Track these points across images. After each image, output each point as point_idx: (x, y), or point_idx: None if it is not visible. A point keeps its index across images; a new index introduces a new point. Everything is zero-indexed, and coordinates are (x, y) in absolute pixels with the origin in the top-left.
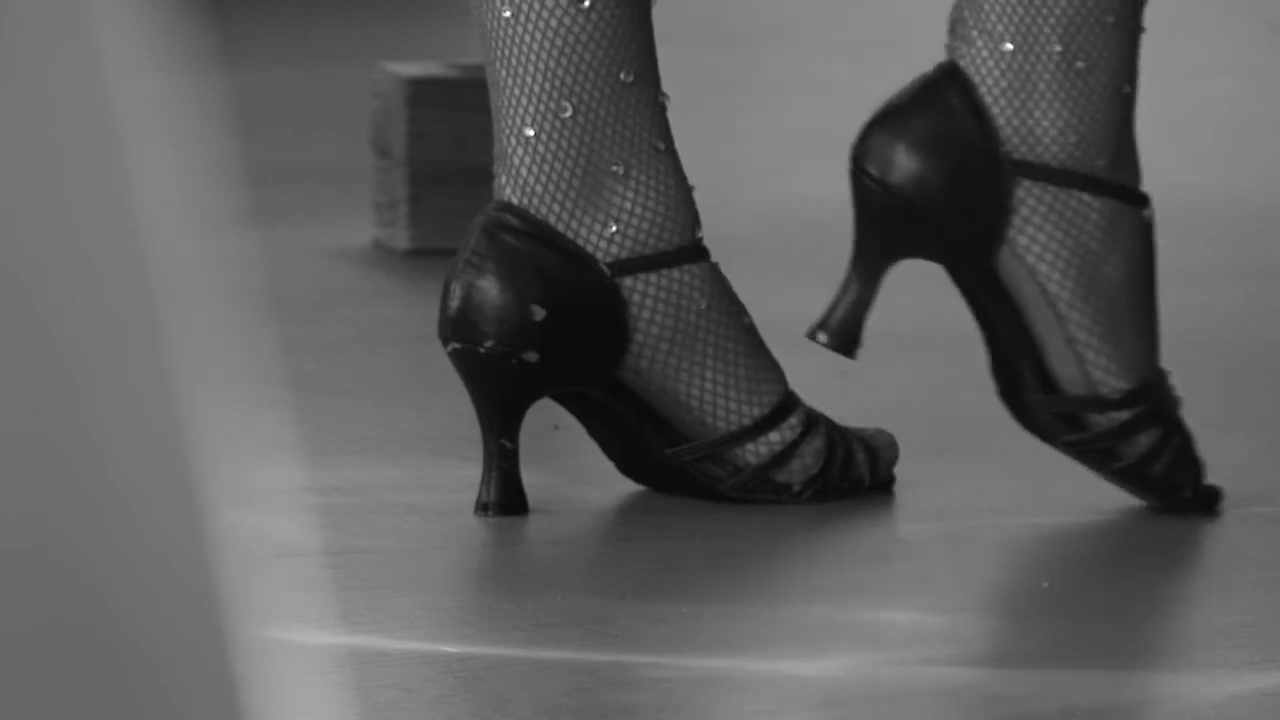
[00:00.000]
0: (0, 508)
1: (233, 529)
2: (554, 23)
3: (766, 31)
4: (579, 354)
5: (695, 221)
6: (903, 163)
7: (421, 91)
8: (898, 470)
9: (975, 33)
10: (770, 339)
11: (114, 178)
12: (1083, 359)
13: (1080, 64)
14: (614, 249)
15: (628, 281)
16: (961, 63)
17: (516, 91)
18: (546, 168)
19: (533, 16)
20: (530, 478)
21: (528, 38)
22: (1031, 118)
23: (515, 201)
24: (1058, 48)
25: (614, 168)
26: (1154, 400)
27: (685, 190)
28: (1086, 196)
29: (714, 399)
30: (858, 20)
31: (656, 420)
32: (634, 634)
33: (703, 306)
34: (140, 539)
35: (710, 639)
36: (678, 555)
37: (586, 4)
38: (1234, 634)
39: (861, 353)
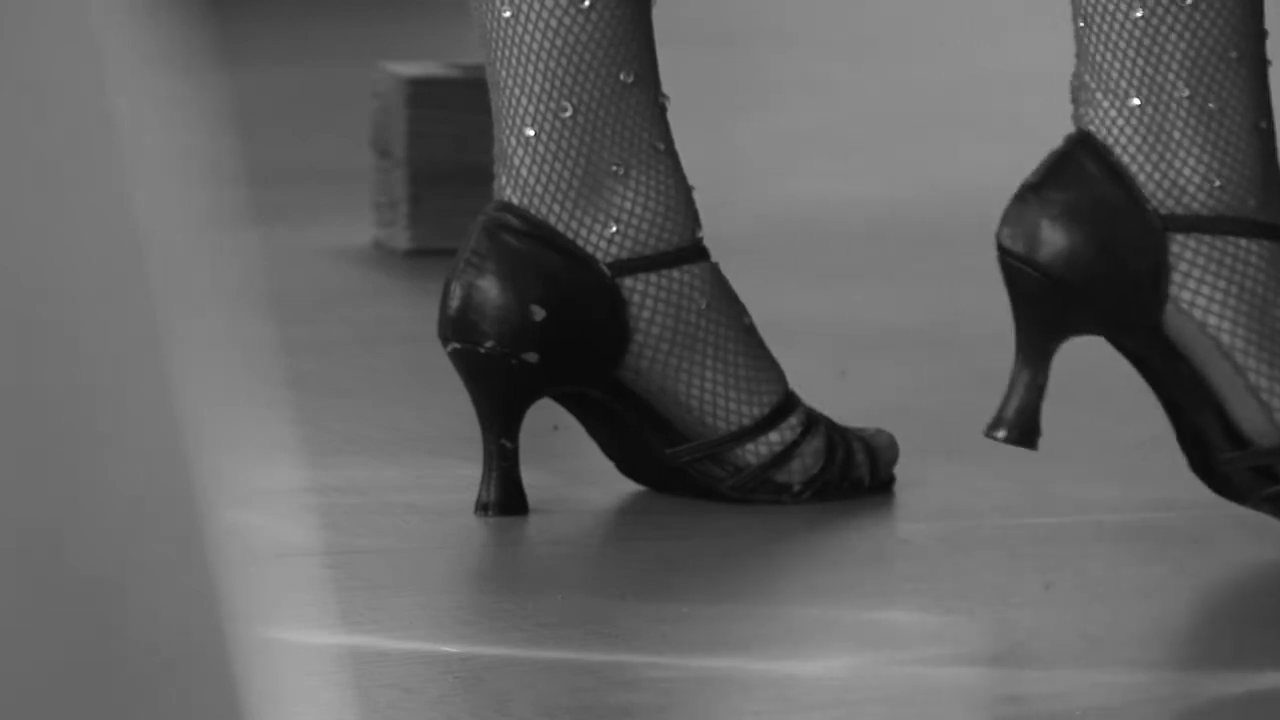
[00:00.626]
0: (0, 508)
1: (233, 529)
2: (554, 23)
3: (766, 31)
4: (579, 354)
5: (695, 221)
6: (1049, 239)
7: (421, 91)
8: (898, 470)
9: (1100, 94)
10: (770, 339)
11: (114, 178)
12: (1269, 407)
13: (1211, 105)
14: (614, 249)
15: (628, 281)
16: (1091, 128)
17: (516, 91)
18: (546, 168)
19: (532, 17)
20: (530, 478)
21: (528, 38)
22: (1172, 169)
23: (515, 201)
24: (1185, 92)
25: (614, 168)
26: None
27: (685, 190)
28: (1243, 241)
29: (714, 399)
30: (858, 20)
31: (656, 420)
32: (634, 634)
33: (703, 306)
34: (140, 539)
35: (710, 639)
36: (678, 555)
37: (586, 4)
38: (1234, 634)
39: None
